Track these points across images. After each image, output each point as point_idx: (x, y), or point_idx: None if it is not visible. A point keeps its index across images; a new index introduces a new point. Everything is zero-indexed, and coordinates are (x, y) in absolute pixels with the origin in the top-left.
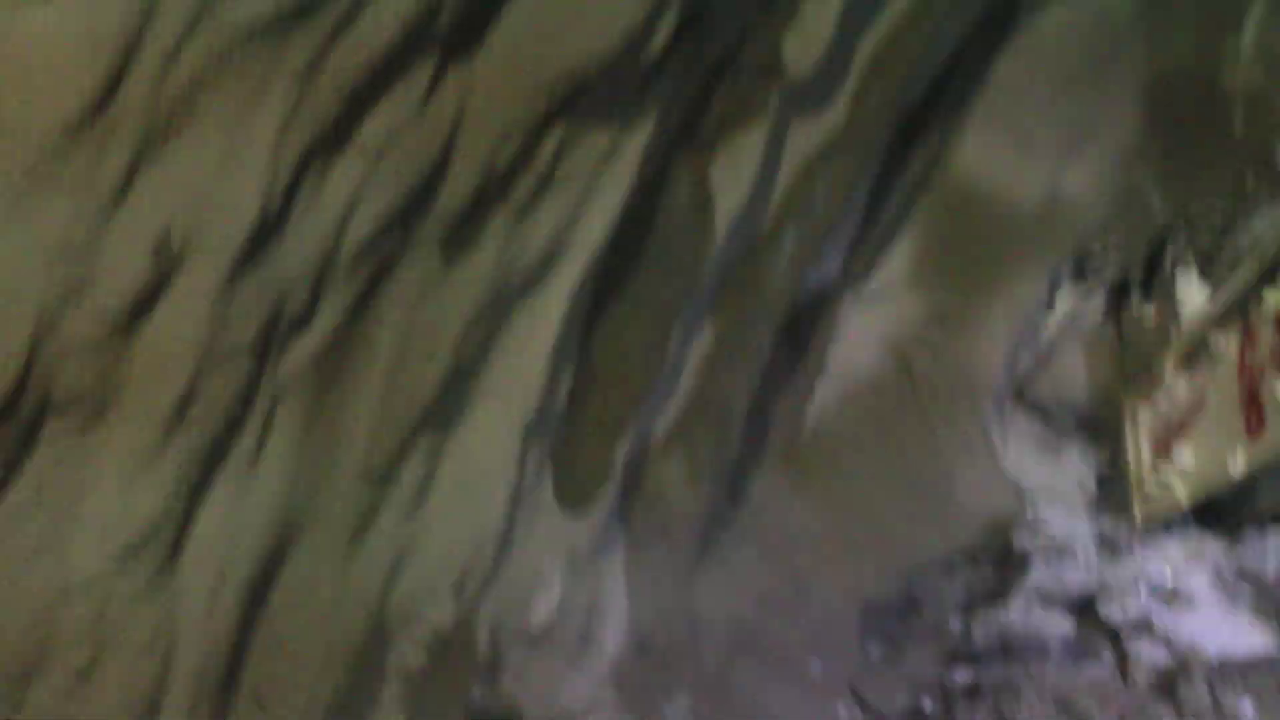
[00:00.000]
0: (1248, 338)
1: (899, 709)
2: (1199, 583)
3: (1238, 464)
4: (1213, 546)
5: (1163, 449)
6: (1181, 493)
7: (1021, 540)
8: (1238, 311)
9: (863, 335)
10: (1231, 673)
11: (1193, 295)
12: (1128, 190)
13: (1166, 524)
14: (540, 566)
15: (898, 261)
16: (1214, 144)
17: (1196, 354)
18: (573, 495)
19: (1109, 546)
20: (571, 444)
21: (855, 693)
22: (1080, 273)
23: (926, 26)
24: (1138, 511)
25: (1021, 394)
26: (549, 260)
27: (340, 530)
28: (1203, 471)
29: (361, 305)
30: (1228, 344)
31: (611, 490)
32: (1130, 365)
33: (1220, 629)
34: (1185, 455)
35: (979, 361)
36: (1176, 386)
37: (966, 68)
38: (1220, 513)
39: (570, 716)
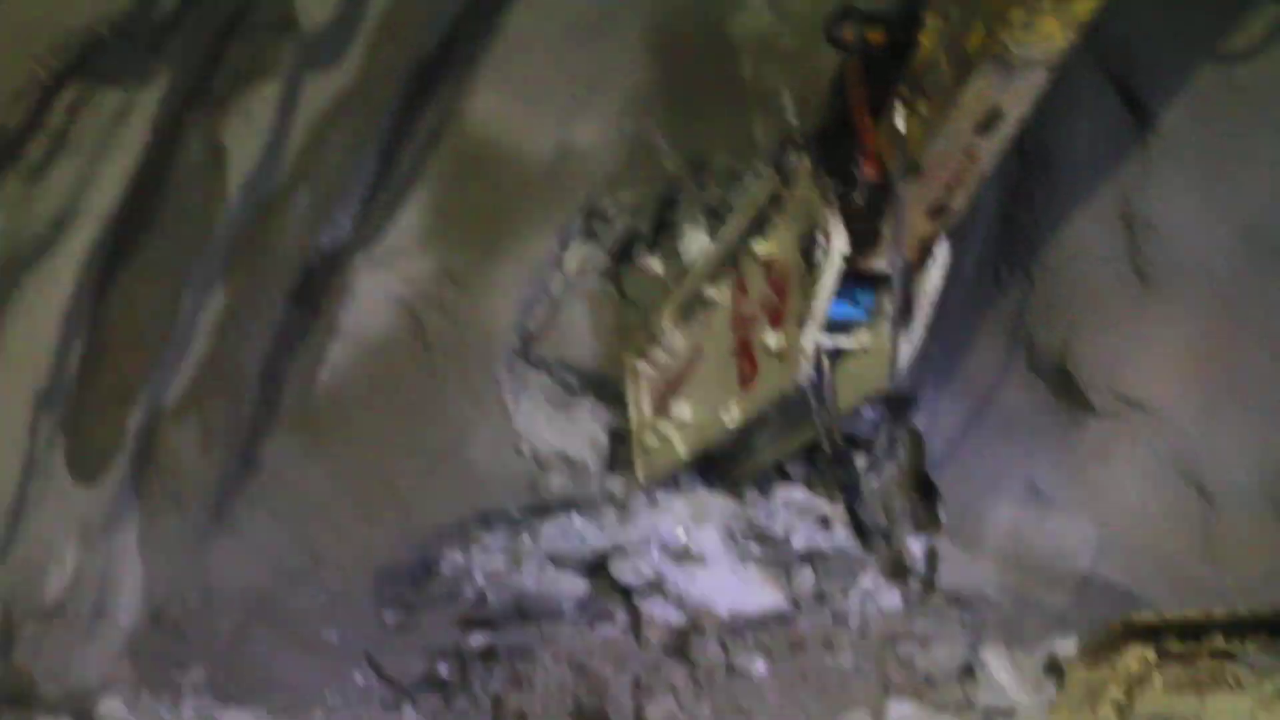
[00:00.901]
0: (739, 288)
1: (415, 675)
2: (709, 541)
3: (732, 414)
4: (721, 504)
5: (662, 404)
6: (680, 446)
7: (535, 501)
8: (730, 262)
9: (375, 296)
10: (743, 630)
11: (697, 249)
12: (637, 141)
13: (670, 480)
14: (53, 539)
15: (410, 221)
16: (723, 92)
17: (692, 306)
18: (84, 465)
19: (620, 506)
20: (83, 413)
21: (371, 660)
22: (589, 230)
23: None
24: (639, 468)
25: (530, 353)
26: (61, 225)
27: None
28: (700, 424)
29: None
30: (721, 295)
31: (123, 459)
32: (631, 321)
33: (731, 587)
34: (683, 409)
35: (490, 320)
36: (674, 340)
37: (478, 20)
38: (723, 470)
39: (86, 690)
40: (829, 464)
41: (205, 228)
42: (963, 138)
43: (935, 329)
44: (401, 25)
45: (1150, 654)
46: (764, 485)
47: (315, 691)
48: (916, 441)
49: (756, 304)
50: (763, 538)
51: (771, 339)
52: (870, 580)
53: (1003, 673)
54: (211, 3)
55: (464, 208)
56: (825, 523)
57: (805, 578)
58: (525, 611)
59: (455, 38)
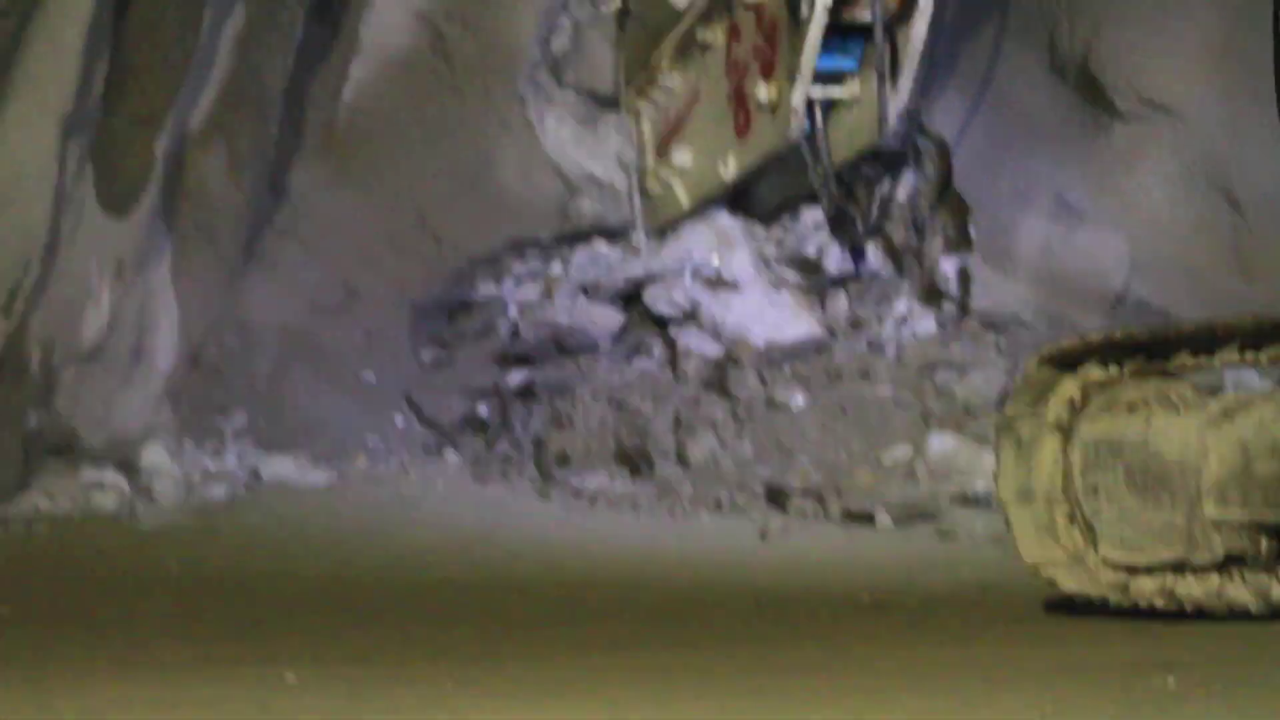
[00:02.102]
0: (733, 33)
1: (455, 417)
2: (742, 266)
3: (729, 167)
4: (755, 229)
5: (664, 147)
6: (681, 195)
7: (566, 226)
8: (723, 5)
9: (395, 10)
10: (780, 361)
11: None
12: None
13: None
14: (88, 277)
15: None
16: None
17: (688, 47)
18: (115, 196)
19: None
20: (111, 140)
21: (411, 402)
22: None
23: None
24: (645, 214)
25: (558, 76)
26: None
27: None
28: (699, 173)
29: None
30: (715, 37)
31: (154, 188)
32: (630, 59)
33: (766, 315)
34: (684, 155)
35: (511, 34)
36: (672, 81)
37: None
38: (750, 199)
39: (128, 439)
40: (831, 217)
41: None
42: None
43: (958, 37)
44: None
45: (1096, 374)
46: (792, 208)
47: (356, 436)
48: (943, 154)
49: (749, 50)
50: (795, 262)
51: (763, 91)
52: (905, 305)
53: None
54: None
55: None
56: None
57: (839, 304)
58: (562, 346)
59: None
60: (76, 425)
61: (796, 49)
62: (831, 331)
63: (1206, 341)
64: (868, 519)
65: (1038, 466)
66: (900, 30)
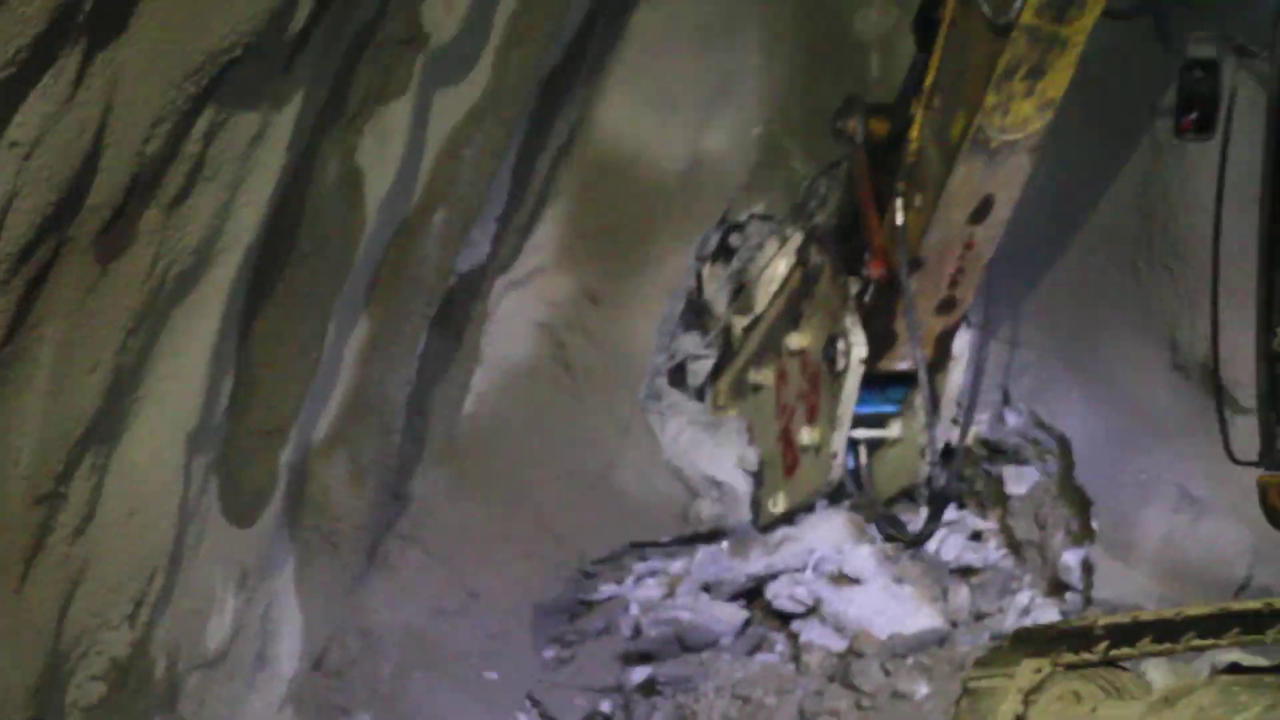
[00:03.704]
0: (780, 375)
1: (579, 713)
2: (864, 561)
3: (779, 504)
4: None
5: None
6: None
7: (686, 530)
8: (773, 349)
9: (516, 320)
10: (903, 652)
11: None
12: (769, 148)
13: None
14: (212, 585)
15: (546, 241)
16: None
17: (742, 387)
18: (239, 506)
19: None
20: (235, 453)
21: (534, 700)
22: (725, 246)
23: None
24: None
25: (677, 382)
26: (204, 255)
27: (11, 557)
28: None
29: (19, 318)
30: (766, 379)
31: (278, 498)
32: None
33: (888, 608)
34: None
35: (633, 341)
36: (728, 416)
37: (605, 25)
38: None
39: None
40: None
41: (347, 253)
42: (958, 227)
43: (1077, 336)
44: (528, 32)
45: (1045, 665)
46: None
47: None
48: (1064, 449)
49: (794, 394)
50: (917, 556)
51: (807, 435)
52: (1027, 596)
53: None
54: (341, 21)
55: (600, 222)
56: (976, 536)
57: (961, 596)
58: (684, 642)
59: (584, 42)
60: None
61: (835, 398)
62: (954, 623)
63: (1168, 629)
64: None
65: None
66: (938, 375)
